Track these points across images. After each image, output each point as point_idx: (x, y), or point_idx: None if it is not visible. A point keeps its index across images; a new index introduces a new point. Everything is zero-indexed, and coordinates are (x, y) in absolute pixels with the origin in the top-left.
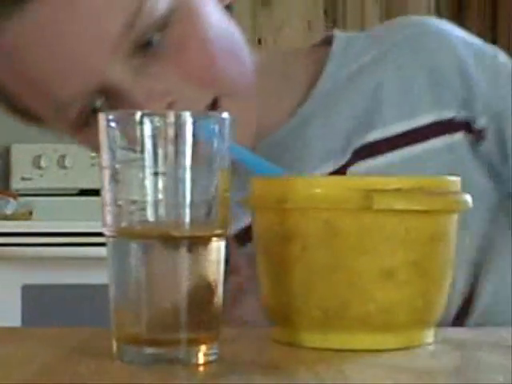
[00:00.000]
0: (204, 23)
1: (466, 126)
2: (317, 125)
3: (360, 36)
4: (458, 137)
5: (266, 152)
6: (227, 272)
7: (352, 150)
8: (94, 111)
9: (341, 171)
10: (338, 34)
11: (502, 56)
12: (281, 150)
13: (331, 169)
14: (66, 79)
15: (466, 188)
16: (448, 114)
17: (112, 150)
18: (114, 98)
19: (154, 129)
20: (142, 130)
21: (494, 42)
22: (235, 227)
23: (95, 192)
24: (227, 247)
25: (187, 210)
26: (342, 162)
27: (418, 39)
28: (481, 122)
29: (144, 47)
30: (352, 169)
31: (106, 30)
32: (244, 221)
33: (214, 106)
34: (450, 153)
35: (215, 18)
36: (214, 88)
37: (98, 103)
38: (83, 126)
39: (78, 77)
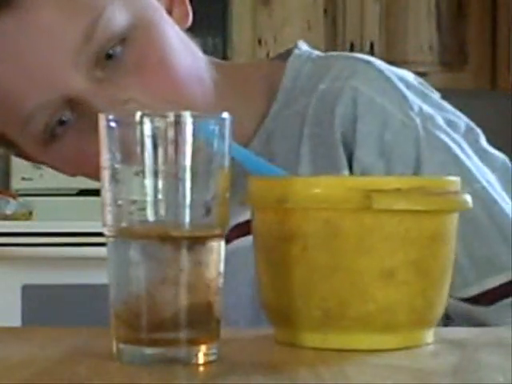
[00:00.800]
0: (164, 40)
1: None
2: (279, 141)
3: (308, 66)
4: None
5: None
6: None
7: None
8: (61, 123)
9: None
10: (295, 55)
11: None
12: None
13: None
14: (29, 92)
15: None
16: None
17: (112, 150)
18: (78, 108)
19: (154, 129)
20: (141, 130)
21: (493, 42)
22: (235, 221)
23: (95, 192)
24: None
25: (187, 210)
26: None
27: (340, 97)
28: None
29: (105, 59)
30: None
31: (66, 43)
32: (246, 214)
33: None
34: None
35: (175, 36)
36: (174, 104)
37: (65, 115)
38: (51, 141)
39: (42, 89)
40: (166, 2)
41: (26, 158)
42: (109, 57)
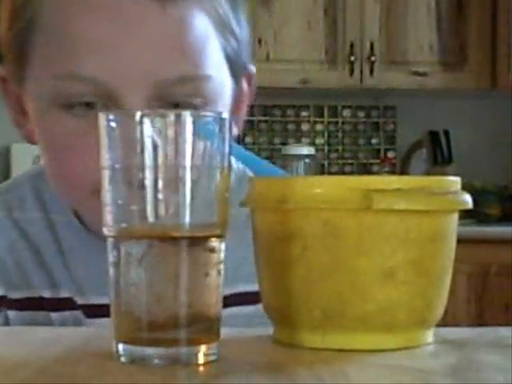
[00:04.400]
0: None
1: None
2: None
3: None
4: None
5: None
6: None
7: None
8: (87, 105)
9: None
10: None
11: None
12: None
13: None
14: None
15: None
16: None
17: (112, 150)
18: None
19: (154, 129)
20: (141, 130)
21: (493, 42)
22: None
23: None
24: None
25: (187, 210)
26: None
27: None
28: None
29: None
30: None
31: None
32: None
33: None
34: None
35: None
36: None
37: (98, 102)
38: (62, 110)
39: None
40: (233, 103)
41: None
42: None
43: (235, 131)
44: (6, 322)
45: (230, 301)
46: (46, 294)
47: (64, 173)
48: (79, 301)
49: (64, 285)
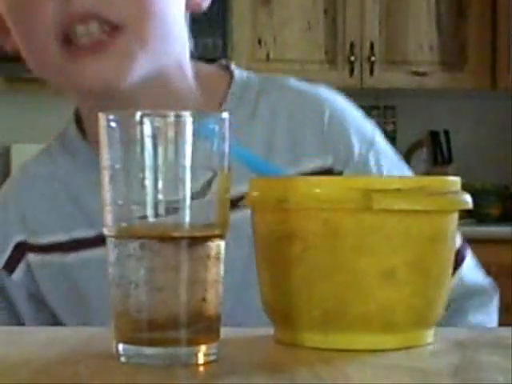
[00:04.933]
0: None
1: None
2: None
3: (255, 80)
4: None
5: None
6: None
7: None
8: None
9: None
10: (237, 71)
11: (379, 136)
12: None
13: None
14: None
15: None
16: (328, 161)
17: (112, 150)
18: None
19: (154, 129)
20: (141, 130)
21: (493, 42)
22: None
23: None
24: None
25: (187, 210)
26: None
27: (311, 96)
28: (348, 171)
29: None
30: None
31: None
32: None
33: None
34: None
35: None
36: (132, 35)
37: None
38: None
39: None
40: None
41: None
42: None
43: (203, 6)
44: (27, 271)
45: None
46: (79, 235)
47: (28, 29)
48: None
49: (97, 223)
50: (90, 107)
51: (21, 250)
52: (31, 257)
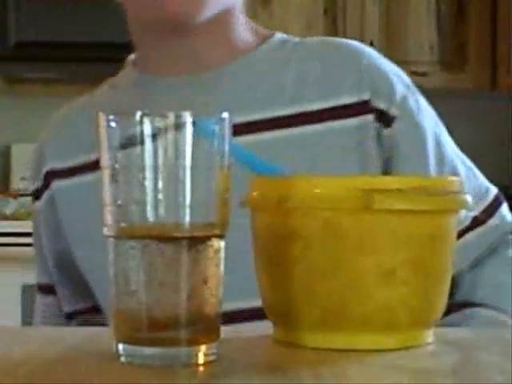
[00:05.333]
0: None
1: (378, 111)
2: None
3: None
4: (370, 119)
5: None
6: None
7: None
8: None
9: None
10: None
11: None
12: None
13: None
14: None
15: (366, 166)
16: (365, 96)
17: (112, 150)
18: None
19: (154, 129)
20: (141, 130)
21: (493, 42)
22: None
23: None
24: None
25: (187, 210)
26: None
27: (346, 43)
28: (394, 112)
29: None
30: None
31: None
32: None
33: None
34: (359, 132)
35: None
36: None
37: None
38: None
39: None
40: None
41: None
42: None
43: None
44: (50, 199)
45: None
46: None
47: None
48: None
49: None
50: (151, 40)
51: (49, 178)
52: (55, 184)
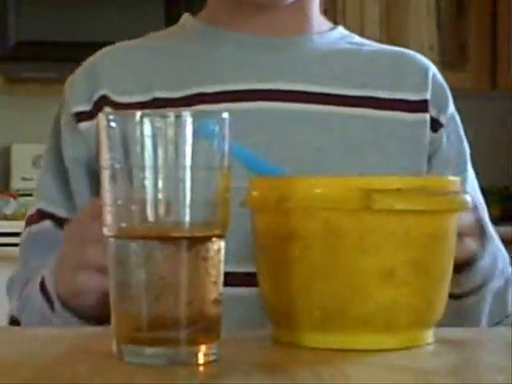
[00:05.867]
0: None
1: (431, 115)
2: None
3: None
4: (427, 118)
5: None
6: None
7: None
8: None
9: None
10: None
11: None
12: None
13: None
14: None
15: (418, 160)
16: (426, 96)
17: (112, 150)
18: None
19: (154, 129)
20: (141, 130)
21: (493, 42)
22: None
23: None
24: None
25: (187, 210)
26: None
27: (415, 54)
28: (443, 120)
29: None
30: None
31: None
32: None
33: None
34: (417, 126)
35: None
36: None
37: None
38: None
39: None
40: None
41: None
42: None
43: None
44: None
45: None
46: (159, 95)
47: None
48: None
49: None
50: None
51: (102, 103)
52: (108, 110)
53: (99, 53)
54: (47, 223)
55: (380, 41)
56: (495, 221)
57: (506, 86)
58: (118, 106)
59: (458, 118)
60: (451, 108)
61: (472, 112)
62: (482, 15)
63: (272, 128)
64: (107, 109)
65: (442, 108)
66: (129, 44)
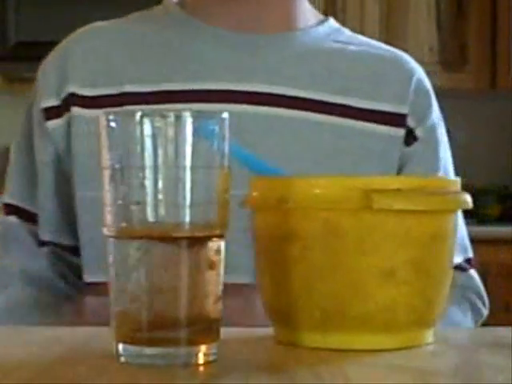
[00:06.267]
0: None
1: (409, 129)
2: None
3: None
4: (402, 134)
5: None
6: None
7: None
8: None
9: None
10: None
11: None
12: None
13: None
14: None
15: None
16: (404, 110)
17: (112, 150)
18: None
19: (154, 129)
20: (141, 130)
21: (493, 42)
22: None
23: None
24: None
25: (187, 210)
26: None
27: (402, 57)
28: (419, 133)
29: None
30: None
31: None
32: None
33: None
34: (389, 141)
35: None
36: None
37: None
38: None
39: None
40: None
41: None
42: None
43: None
44: (66, 125)
45: None
46: (130, 89)
47: None
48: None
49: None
50: None
51: (70, 101)
52: (76, 110)
53: (73, 37)
54: (12, 219)
55: (380, 41)
56: (495, 221)
57: (505, 86)
58: (86, 99)
59: (440, 127)
60: (433, 118)
61: (472, 112)
62: (482, 15)
63: (245, 133)
64: (74, 108)
65: (422, 119)
66: (104, 27)
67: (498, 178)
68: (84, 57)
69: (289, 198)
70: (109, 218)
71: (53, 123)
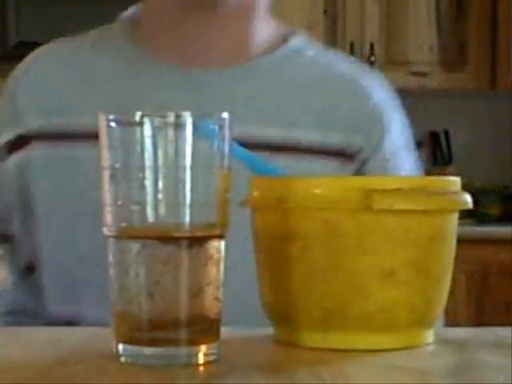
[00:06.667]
0: None
1: (361, 159)
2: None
3: (312, 47)
4: (352, 169)
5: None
6: None
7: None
8: None
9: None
10: (300, 34)
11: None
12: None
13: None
14: None
15: None
16: (356, 142)
17: (112, 150)
18: None
19: (154, 129)
20: (141, 130)
21: (493, 42)
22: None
23: None
24: None
25: (187, 210)
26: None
27: (360, 80)
28: (371, 164)
29: None
30: None
31: None
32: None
33: None
34: (339, 171)
35: None
36: None
37: None
38: None
39: None
40: None
41: None
42: None
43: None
44: (25, 161)
45: None
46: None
47: None
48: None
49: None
50: (168, 16)
51: (27, 138)
52: (32, 146)
53: (21, 68)
54: None
55: (380, 41)
56: (495, 221)
57: (506, 86)
58: (42, 134)
59: (394, 158)
60: (389, 143)
61: (472, 112)
62: (481, 15)
63: None
64: (33, 144)
65: (376, 148)
66: (54, 56)
67: (498, 178)
68: (30, 95)
69: (289, 197)
70: (109, 218)
71: (16, 157)
